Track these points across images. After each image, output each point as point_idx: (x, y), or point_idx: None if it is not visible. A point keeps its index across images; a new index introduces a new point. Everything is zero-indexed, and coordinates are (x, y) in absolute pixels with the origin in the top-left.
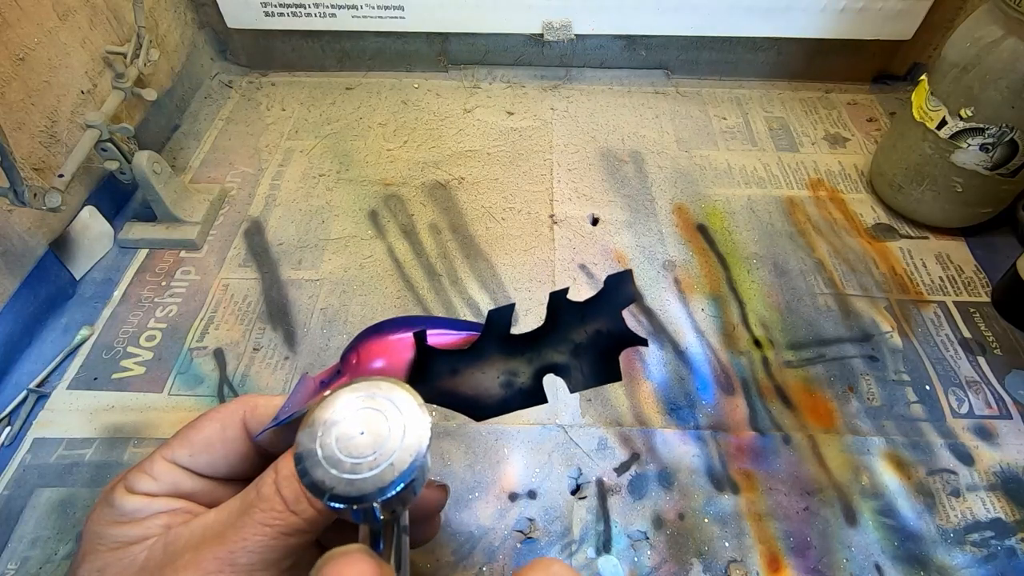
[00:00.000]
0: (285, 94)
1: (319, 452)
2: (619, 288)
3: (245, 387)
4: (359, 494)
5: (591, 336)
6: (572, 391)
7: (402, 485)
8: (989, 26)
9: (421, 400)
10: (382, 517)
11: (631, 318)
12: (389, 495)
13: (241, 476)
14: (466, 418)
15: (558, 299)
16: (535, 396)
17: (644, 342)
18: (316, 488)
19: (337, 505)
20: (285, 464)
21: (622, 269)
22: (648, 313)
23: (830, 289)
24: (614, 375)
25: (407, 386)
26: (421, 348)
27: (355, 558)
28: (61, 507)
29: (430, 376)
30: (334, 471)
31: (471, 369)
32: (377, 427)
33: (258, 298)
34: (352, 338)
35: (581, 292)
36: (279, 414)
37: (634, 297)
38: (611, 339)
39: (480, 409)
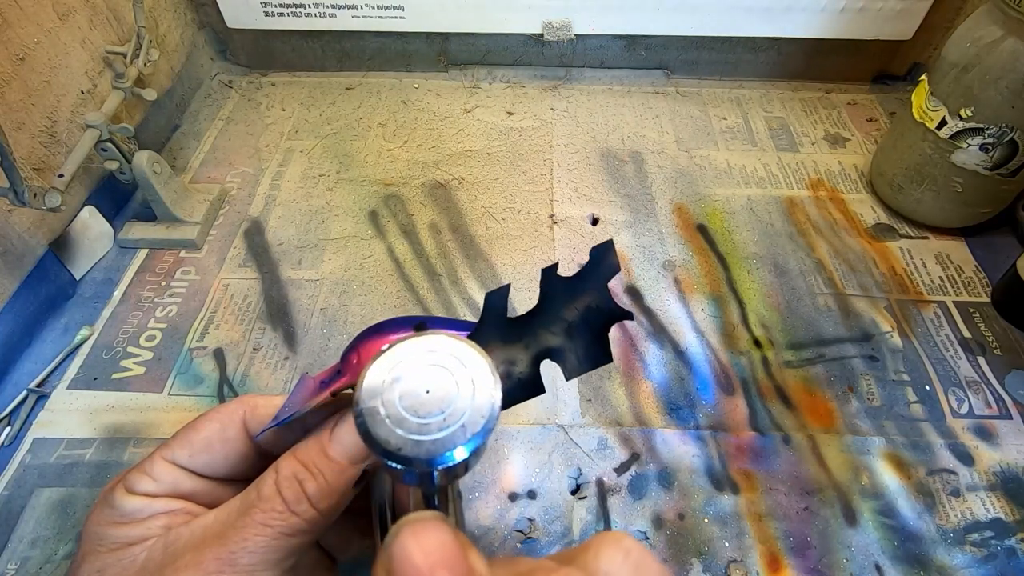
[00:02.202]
0: (285, 94)
1: (382, 410)
2: (603, 259)
3: (245, 387)
4: (427, 456)
5: (581, 313)
6: (568, 378)
7: (473, 448)
8: (989, 26)
9: (488, 357)
10: (439, 482)
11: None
12: (459, 459)
13: (241, 476)
14: None
15: (549, 275)
16: (534, 386)
17: (630, 315)
18: (378, 447)
19: (396, 465)
20: (286, 464)
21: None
22: (648, 313)
23: (830, 289)
24: (606, 356)
25: (472, 342)
26: None
27: (432, 524)
28: (61, 507)
29: None
30: (400, 431)
31: None
32: (444, 385)
33: (258, 298)
34: (352, 338)
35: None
36: (279, 414)
37: (618, 267)
38: (600, 315)
39: None
